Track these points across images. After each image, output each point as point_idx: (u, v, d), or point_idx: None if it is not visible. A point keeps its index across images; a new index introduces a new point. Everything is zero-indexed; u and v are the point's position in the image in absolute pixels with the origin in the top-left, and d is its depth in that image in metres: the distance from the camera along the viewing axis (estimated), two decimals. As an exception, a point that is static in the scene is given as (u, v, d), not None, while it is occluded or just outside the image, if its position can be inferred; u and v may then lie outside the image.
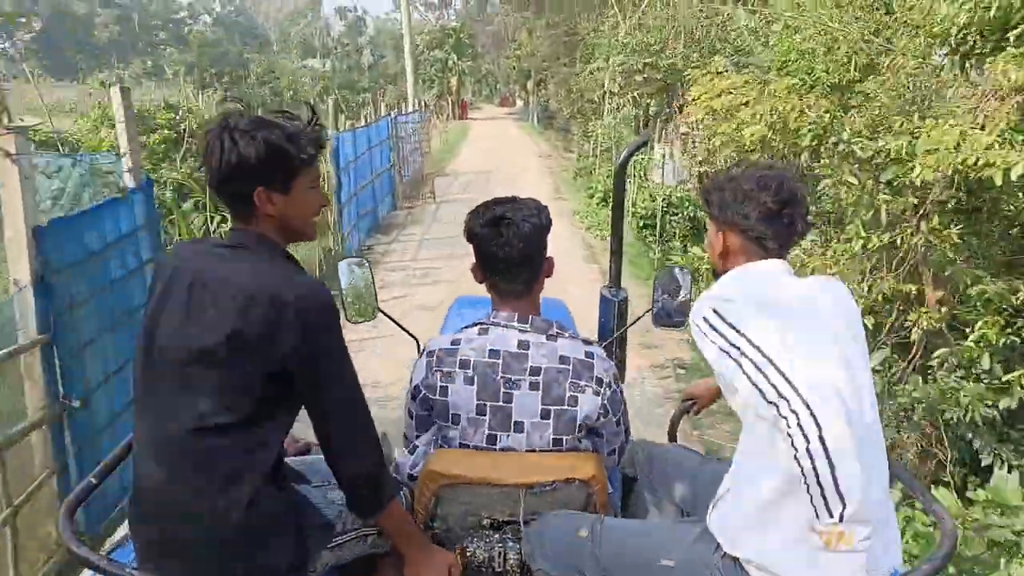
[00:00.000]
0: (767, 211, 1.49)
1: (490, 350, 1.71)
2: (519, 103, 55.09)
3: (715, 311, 1.37)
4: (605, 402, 1.72)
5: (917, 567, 1.34)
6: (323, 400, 1.43)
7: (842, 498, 1.18)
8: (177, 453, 1.38)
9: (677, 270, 2.30)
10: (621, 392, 1.80)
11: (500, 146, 25.98)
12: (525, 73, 38.55)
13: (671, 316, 2.27)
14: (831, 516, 1.19)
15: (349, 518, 1.62)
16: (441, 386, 1.72)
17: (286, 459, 1.66)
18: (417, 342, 2.22)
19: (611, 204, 2.50)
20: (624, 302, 2.54)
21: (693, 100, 5.67)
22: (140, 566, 1.39)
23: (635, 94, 10.57)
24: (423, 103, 32.78)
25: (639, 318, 2.40)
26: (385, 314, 2.28)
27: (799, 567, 1.29)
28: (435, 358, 1.74)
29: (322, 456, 1.50)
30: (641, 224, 10.19)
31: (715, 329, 1.35)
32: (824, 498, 1.19)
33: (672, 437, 2.29)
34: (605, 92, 15.16)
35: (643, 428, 3.92)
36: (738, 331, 1.32)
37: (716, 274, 1.61)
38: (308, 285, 1.42)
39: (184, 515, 1.38)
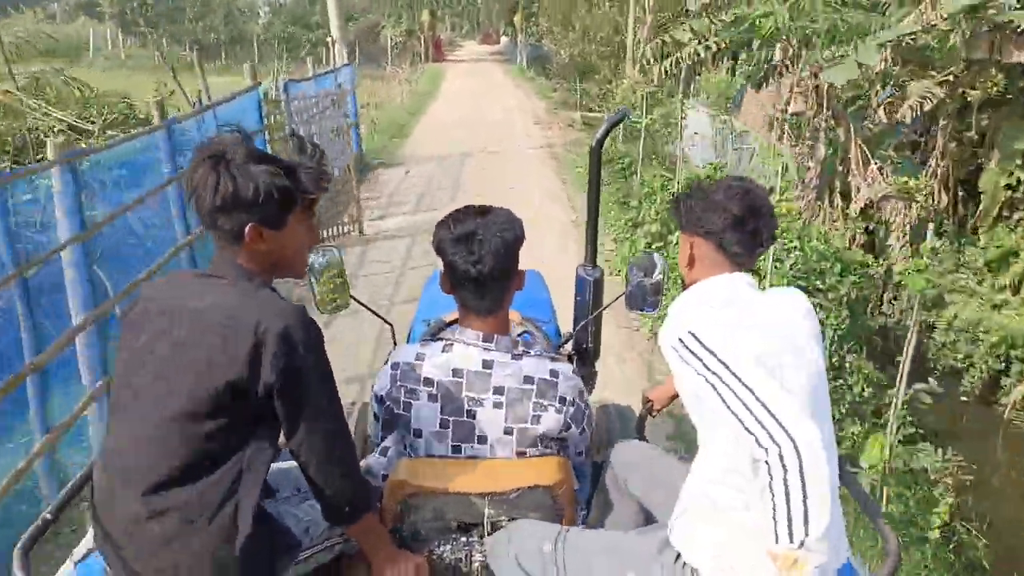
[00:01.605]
0: (733, 220, 1.57)
1: (454, 368, 1.73)
2: (504, 40, 51.86)
3: (692, 334, 1.39)
4: (567, 419, 1.75)
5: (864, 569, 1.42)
6: (304, 430, 1.42)
7: (807, 526, 1.21)
8: (146, 505, 1.34)
9: (654, 255, 2.35)
10: (586, 405, 1.82)
11: (481, 105, 20.48)
12: (511, 4, 35.32)
13: (644, 298, 2.32)
14: (791, 541, 1.22)
15: (316, 530, 1.65)
16: (405, 401, 1.75)
17: None
18: (392, 329, 2.43)
19: (587, 181, 2.46)
20: (600, 281, 2.52)
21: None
22: None
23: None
24: (392, 43, 29.93)
25: (614, 300, 2.45)
26: (358, 301, 2.33)
27: None
28: (399, 372, 1.76)
29: (293, 463, 1.51)
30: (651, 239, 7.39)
31: (692, 352, 1.38)
32: (789, 523, 1.22)
33: (640, 436, 2.35)
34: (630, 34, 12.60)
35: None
36: (717, 357, 1.35)
37: (683, 285, 1.70)
38: (292, 310, 1.40)
39: (160, 549, 1.35)
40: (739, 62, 8.44)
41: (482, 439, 1.72)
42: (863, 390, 5.18)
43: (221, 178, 1.37)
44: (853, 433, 4.67)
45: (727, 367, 1.33)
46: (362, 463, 1.81)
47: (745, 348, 1.36)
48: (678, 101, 10.34)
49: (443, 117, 18.21)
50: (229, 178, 1.37)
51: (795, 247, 5.64)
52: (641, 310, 2.34)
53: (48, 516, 1.48)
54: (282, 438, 1.47)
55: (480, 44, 59.12)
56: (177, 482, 1.35)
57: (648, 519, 1.94)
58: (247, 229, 1.41)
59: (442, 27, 50.37)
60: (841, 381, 5.17)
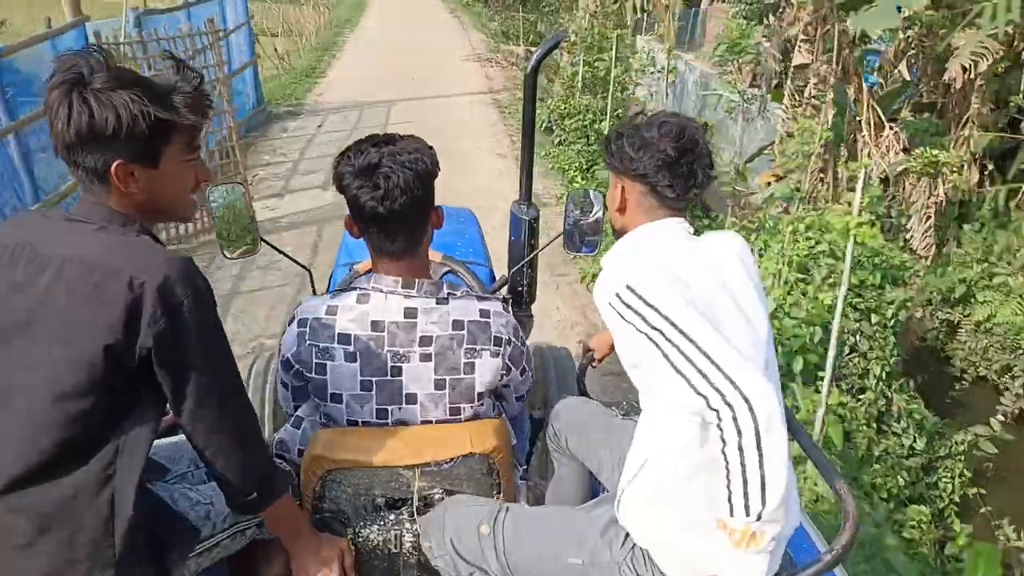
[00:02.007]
0: (666, 158, 1.47)
1: (372, 321, 1.55)
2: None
3: (629, 288, 1.28)
4: (505, 360, 1.62)
5: (818, 558, 1.33)
6: (193, 401, 1.21)
7: (764, 498, 1.14)
8: (14, 486, 1.12)
9: (590, 191, 2.24)
10: (523, 343, 1.69)
11: (411, 37, 17.45)
12: None
13: (583, 238, 2.21)
14: (748, 515, 1.16)
15: (219, 514, 1.43)
16: (318, 363, 1.55)
17: None
18: (310, 273, 2.19)
19: (522, 115, 2.27)
20: (536, 220, 2.35)
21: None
22: None
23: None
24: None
25: (550, 241, 2.34)
26: (269, 243, 2.09)
27: (704, 560, 1.27)
28: (308, 328, 1.55)
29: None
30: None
31: (631, 307, 1.27)
32: (745, 496, 1.15)
33: (581, 390, 2.22)
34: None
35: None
36: (658, 311, 1.24)
37: (615, 232, 1.59)
38: (173, 261, 1.18)
39: (21, 557, 1.14)
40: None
41: (411, 398, 1.57)
42: (915, 440, 4.02)
43: (74, 106, 1.15)
44: (920, 522, 3.46)
45: (670, 322, 1.23)
46: (275, 437, 1.71)
47: (688, 301, 1.26)
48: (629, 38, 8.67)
49: (365, 54, 15.82)
50: (85, 106, 1.15)
51: (823, 251, 4.20)
52: (579, 251, 2.26)
53: None
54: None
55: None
56: (40, 476, 1.13)
57: (592, 482, 1.91)
58: (113, 167, 1.19)
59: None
60: (887, 430, 4.08)
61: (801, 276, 4.14)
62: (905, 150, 5.64)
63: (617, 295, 1.29)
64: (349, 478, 1.53)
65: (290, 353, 1.56)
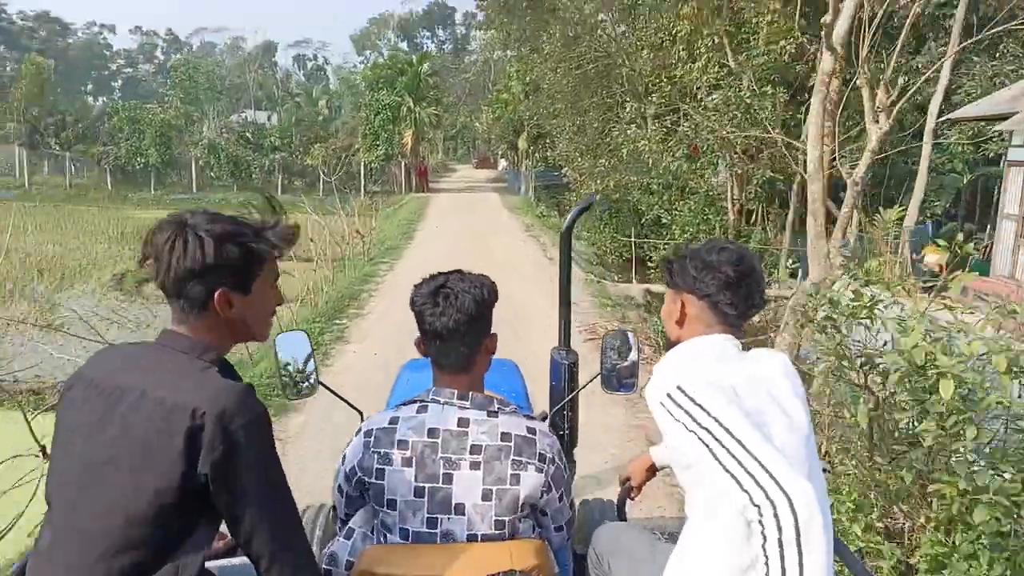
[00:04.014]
0: (727, 279, 1.61)
1: (429, 429, 1.71)
2: (502, 164, 46.62)
3: (680, 388, 1.40)
4: (548, 479, 1.72)
5: None
6: (245, 519, 1.33)
7: None
8: None
9: (628, 334, 2.37)
10: (565, 468, 1.80)
11: (476, 260, 13.22)
12: (514, 124, 28.93)
13: (620, 380, 2.32)
14: None
15: None
16: (378, 468, 1.70)
17: (207, 564, 1.51)
18: (361, 415, 2.24)
19: (559, 271, 2.50)
20: (575, 364, 2.50)
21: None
22: None
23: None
24: (366, 170, 23.03)
25: (589, 381, 2.41)
26: (326, 387, 2.27)
27: None
28: (372, 438, 1.73)
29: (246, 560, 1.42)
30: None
31: (681, 407, 1.38)
32: None
33: (622, 517, 2.28)
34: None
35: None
36: (708, 412, 1.35)
37: (669, 344, 1.72)
38: (234, 394, 1.31)
39: None
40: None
41: (459, 508, 1.67)
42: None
43: (190, 242, 1.34)
44: None
45: (718, 422, 1.32)
46: (326, 551, 1.80)
47: (735, 405, 1.36)
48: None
49: (390, 331, 8.41)
50: (197, 242, 1.35)
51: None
52: (617, 391, 2.32)
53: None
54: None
55: (476, 167, 54.30)
56: None
57: None
58: (217, 294, 1.38)
59: (430, 150, 44.77)
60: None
61: None
62: None
63: (669, 395, 1.42)
64: None
65: (356, 462, 1.71)
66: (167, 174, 31.78)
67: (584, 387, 2.41)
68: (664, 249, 14.09)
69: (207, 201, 28.88)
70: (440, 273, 1.75)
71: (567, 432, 2.41)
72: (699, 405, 1.35)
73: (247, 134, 33.73)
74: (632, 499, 2.23)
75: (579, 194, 17.95)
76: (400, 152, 32.22)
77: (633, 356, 2.30)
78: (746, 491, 1.24)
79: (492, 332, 1.78)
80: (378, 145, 31.18)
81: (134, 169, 31.01)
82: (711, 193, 14.44)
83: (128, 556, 1.25)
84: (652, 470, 2.17)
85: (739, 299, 1.60)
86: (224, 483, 1.28)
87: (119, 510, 1.26)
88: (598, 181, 15.82)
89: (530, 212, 23.05)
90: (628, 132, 14.65)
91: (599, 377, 2.33)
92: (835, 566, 1.32)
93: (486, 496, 1.66)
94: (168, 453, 1.25)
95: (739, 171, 13.84)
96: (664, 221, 15.14)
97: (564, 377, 2.43)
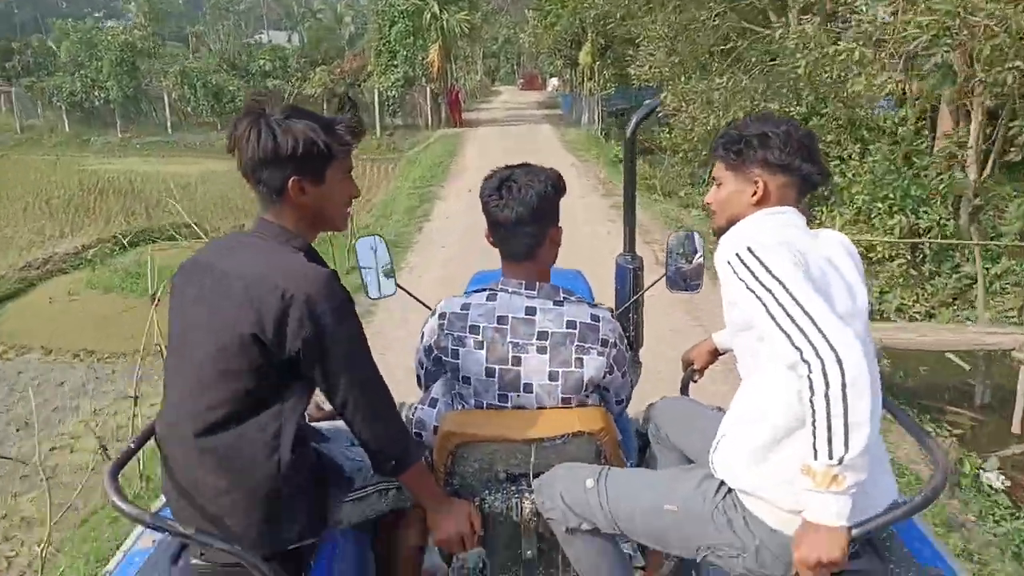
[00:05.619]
0: (801, 147, 1.63)
1: (498, 316, 1.83)
2: (552, 84, 39.77)
3: (749, 249, 1.44)
4: (610, 361, 1.85)
5: (911, 499, 1.43)
6: (339, 391, 1.53)
7: (847, 444, 1.27)
8: (198, 445, 1.49)
9: (693, 234, 2.40)
10: (627, 348, 1.93)
11: None
12: (573, 32, 22.07)
13: (686, 280, 2.37)
14: (831, 458, 1.28)
15: (369, 473, 1.75)
16: (452, 348, 1.85)
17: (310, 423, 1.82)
18: None
19: (623, 172, 2.49)
20: (639, 269, 2.54)
21: None
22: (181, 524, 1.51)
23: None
24: (382, 99, 16.54)
25: (654, 283, 2.46)
26: (404, 289, 2.41)
27: (790, 500, 1.44)
28: (446, 321, 1.87)
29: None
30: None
31: (746, 266, 1.43)
32: (829, 441, 1.28)
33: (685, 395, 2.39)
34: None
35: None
36: (771, 273, 1.39)
37: (717, 232, 1.72)
38: (319, 278, 1.47)
39: (213, 493, 1.51)
40: None
41: (527, 387, 1.82)
42: None
43: (263, 132, 1.48)
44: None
45: (780, 282, 1.37)
46: (414, 417, 1.98)
47: (800, 269, 1.41)
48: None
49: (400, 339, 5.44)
50: (269, 132, 1.48)
51: None
52: (683, 291, 2.39)
53: (132, 446, 1.65)
54: None
55: (522, 90, 47.69)
56: (221, 427, 1.48)
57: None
58: (290, 183, 1.51)
59: (466, 70, 37.94)
60: None
61: None
62: None
63: (737, 254, 1.45)
64: (475, 452, 1.79)
65: (432, 341, 1.89)
66: (135, 111, 26.15)
67: (650, 287, 2.50)
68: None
69: (185, 144, 23.46)
70: (508, 166, 1.84)
71: (632, 334, 2.46)
72: (764, 265, 1.40)
73: (235, 59, 27.83)
74: (695, 382, 2.35)
75: (678, 135, 11.79)
76: (424, 74, 25.16)
77: (698, 260, 2.35)
78: (797, 347, 1.30)
79: (558, 224, 1.86)
80: (395, 66, 24.37)
81: (94, 107, 25.58)
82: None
83: (228, 406, 1.47)
84: (715, 353, 2.25)
85: (817, 165, 1.64)
86: (314, 359, 1.46)
87: (210, 364, 1.47)
88: (719, 111, 9.98)
89: (601, 155, 16.62)
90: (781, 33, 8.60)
91: (664, 278, 2.40)
92: (883, 423, 1.35)
93: (552, 377, 1.81)
94: (253, 317, 1.42)
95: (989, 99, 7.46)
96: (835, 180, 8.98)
97: (629, 281, 2.51)
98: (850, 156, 9.19)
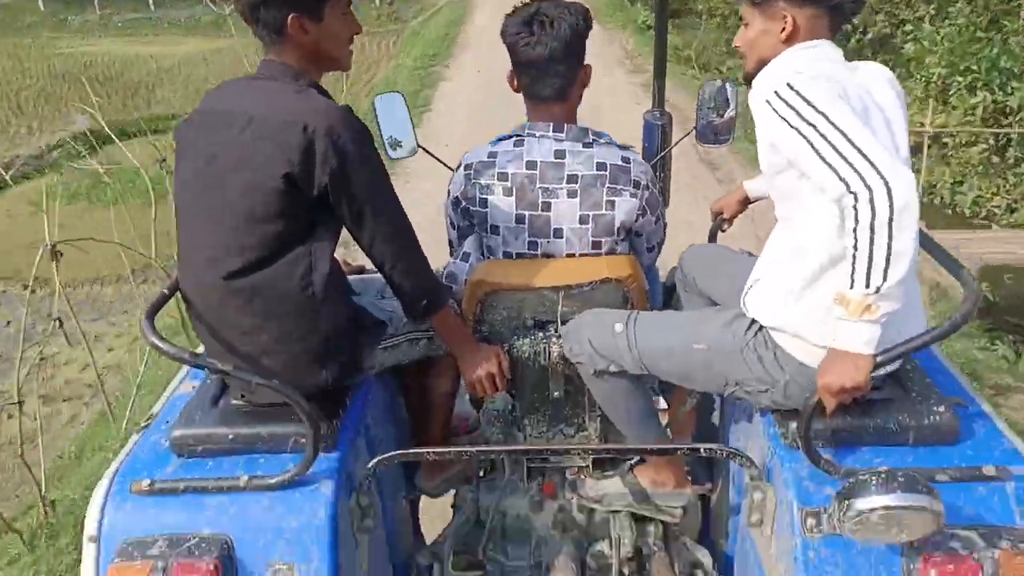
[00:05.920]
0: None
1: (527, 161, 1.81)
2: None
3: (789, 85, 1.39)
4: (643, 203, 1.84)
5: (939, 326, 1.41)
6: (366, 225, 1.54)
7: (886, 274, 1.26)
8: (229, 287, 1.50)
9: (726, 84, 2.29)
10: (659, 192, 1.92)
11: None
12: None
13: (716, 134, 2.31)
14: (868, 287, 1.28)
15: (401, 321, 1.78)
16: (480, 198, 1.85)
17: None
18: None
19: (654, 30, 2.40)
20: (668, 125, 2.57)
21: None
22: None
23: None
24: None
25: (682, 137, 2.43)
26: (425, 149, 2.36)
27: (821, 335, 1.43)
28: (473, 171, 1.86)
29: (375, 274, 1.76)
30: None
31: (787, 103, 1.38)
32: (868, 271, 1.27)
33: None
34: None
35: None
36: (815, 107, 1.35)
37: (747, 78, 1.64)
38: (337, 112, 1.48)
39: (249, 331, 1.54)
40: None
41: (558, 232, 1.82)
42: None
43: None
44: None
45: (824, 116, 1.34)
46: (444, 270, 1.99)
47: (844, 100, 1.37)
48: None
49: None
50: None
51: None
52: (713, 144, 2.35)
53: (165, 292, 1.62)
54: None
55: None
56: (253, 268, 1.49)
57: None
58: (288, 20, 1.50)
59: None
60: None
61: None
62: None
63: (776, 92, 1.40)
64: (503, 301, 1.82)
65: (459, 192, 1.88)
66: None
67: (679, 142, 2.50)
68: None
69: (169, 20, 21.66)
70: (532, 1, 1.76)
71: (659, 191, 2.35)
72: (806, 100, 1.36)
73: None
74: (723, 231, 2.33)
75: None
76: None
77: (731, 113, 2.27)
78: (843, 179, 1.28)
79: (586, 63, 1.82)
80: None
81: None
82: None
83: (258, 250, 1.48)
84: (745, 202, 2.22)
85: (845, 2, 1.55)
86: (342, 191, 1.48)
87: (242, 208, 1.47)
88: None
89: (627, 21, 14.43)
90: None
91: (693, 131, 2.35)
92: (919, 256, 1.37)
93: (583, 220, 1.80)
94: (280, 157, 1.43)
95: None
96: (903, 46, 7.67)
97: (657, 137, 2.52)
98: (922, 18, 7.88)
